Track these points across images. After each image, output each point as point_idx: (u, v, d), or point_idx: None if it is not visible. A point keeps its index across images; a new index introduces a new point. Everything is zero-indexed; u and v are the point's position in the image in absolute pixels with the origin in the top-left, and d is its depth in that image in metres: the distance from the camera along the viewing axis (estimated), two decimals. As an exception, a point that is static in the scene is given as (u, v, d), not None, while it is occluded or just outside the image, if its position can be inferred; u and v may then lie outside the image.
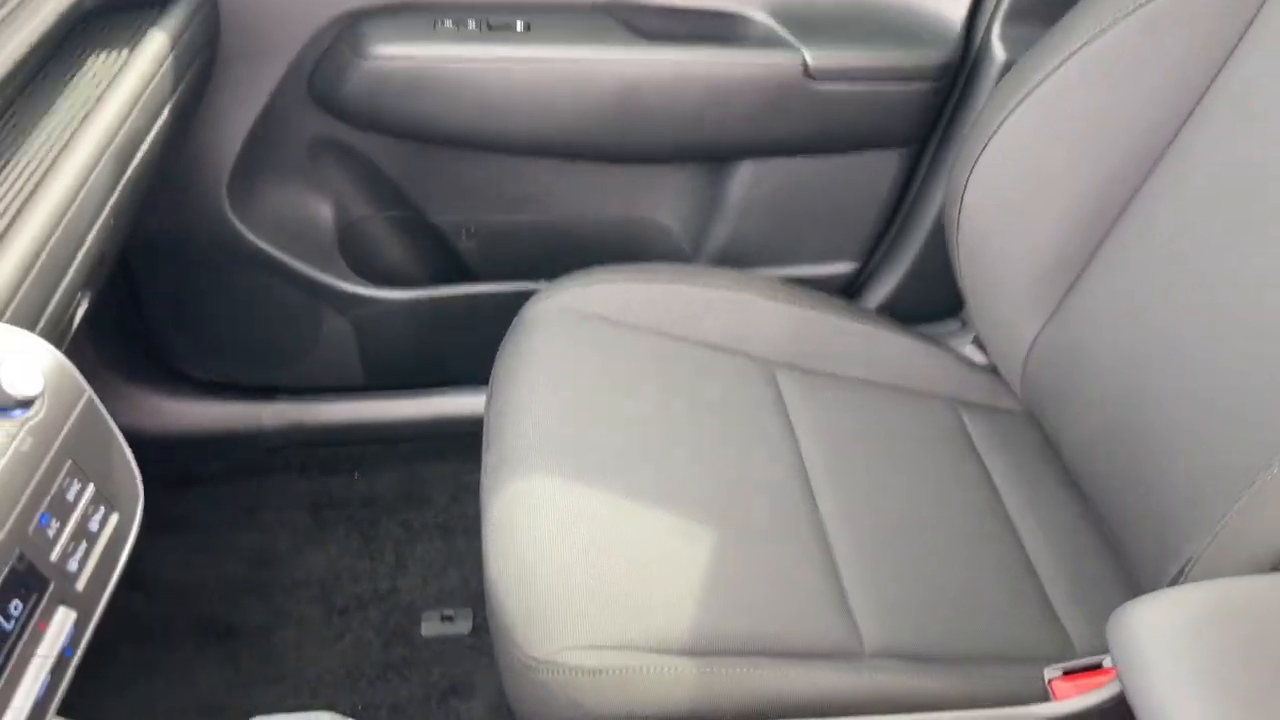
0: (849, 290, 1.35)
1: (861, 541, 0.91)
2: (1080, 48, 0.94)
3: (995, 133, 0.99)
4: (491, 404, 1.00)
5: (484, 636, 1.23)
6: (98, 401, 0.58)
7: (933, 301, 1.32)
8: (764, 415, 1.01)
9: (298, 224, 1.24)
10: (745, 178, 1.24)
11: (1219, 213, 0.87)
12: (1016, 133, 0.99)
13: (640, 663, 0.76)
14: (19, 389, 0.52)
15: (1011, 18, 1.14)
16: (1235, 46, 0.91)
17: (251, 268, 1.23)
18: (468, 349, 1.30)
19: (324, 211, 1.25)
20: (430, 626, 1.23)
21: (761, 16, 1.14)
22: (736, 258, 1.28)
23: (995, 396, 1.14)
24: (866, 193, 1.26)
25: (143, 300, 1.28)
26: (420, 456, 1.40)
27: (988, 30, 1.15)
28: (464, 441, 1.19)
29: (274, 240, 1.22)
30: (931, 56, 1.15)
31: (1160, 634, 0.58)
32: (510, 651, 0.78)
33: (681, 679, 0.76)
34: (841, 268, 1.33)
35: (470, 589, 1.27)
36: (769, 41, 1.14)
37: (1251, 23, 0.90)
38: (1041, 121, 0.98)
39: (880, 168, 1.24)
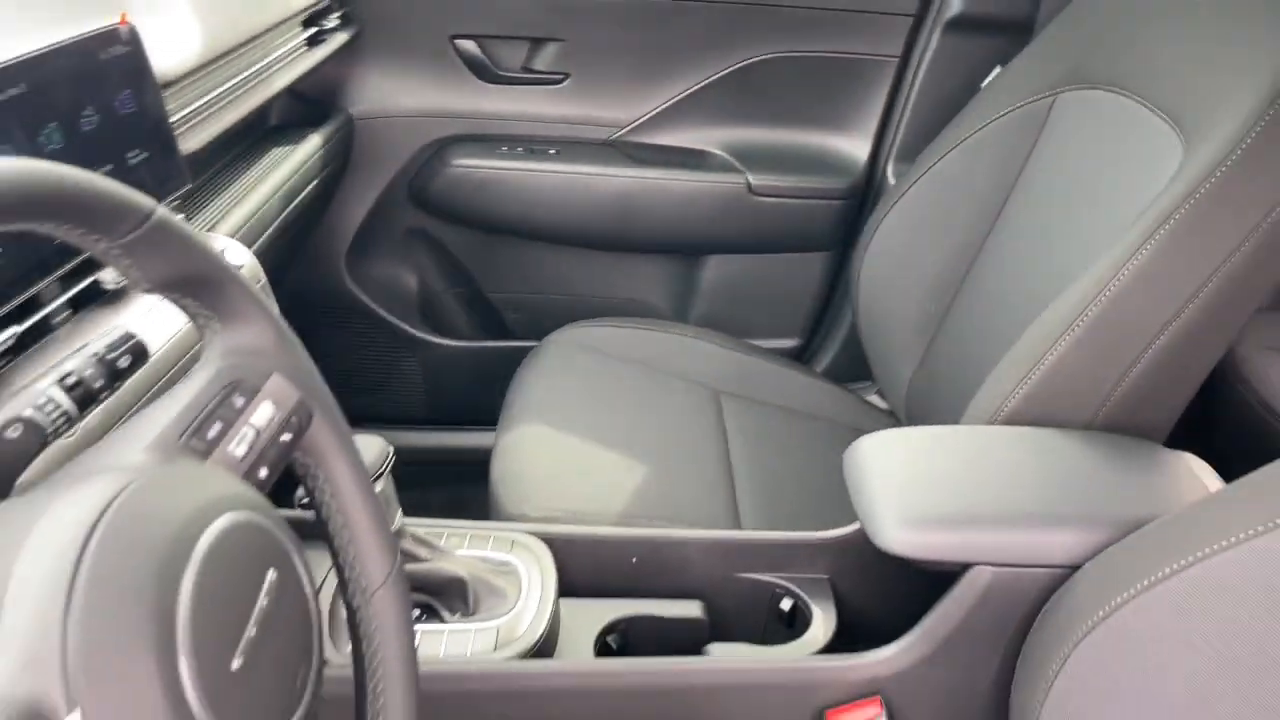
0: (797, 359, 1.76)
1: (755, 480, 1.30)
2: (928, 170, 1.38)
3: (876, 231, 1.43)
4: (509, 395, 1.43)
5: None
6: (268, 287, 1.04)
7: (861, 368, 1.72)
8: (705, 413, 1.42)
9: (392, 289, 1.73)
10: (711, 269, 1.70)
11: (1020, 276, 1.28)
12: (890, 231, 1.42)
13: (583, 517, 1.16)
14: (235, 260, 0.98)
15: (899, 155, 1.60)
16: (1028, 157, 1.34)
17: (356, 318, 1.72)
18: (504, 391, 1.74)
19: (411, 281, 1.74)
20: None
21: (718, 150, 1.64)
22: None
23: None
24: (804, 285, 1.70)
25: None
26: (463, 478, 1.82)
27: (885, 164, 1.62)
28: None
29: (374, 299, 1.71)
30: (843, 182, 1.62)
31: (871, 445, 0.97)
32: (498, 511, 1.19)
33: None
34: (789, 342, 1.75)
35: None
36: (723, 168, 1.62)
37: (1036, 142, 1.34)
38: (904, 222, 1.41)
39: (813, 266, 1.69)
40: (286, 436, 0.61)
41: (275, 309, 0.63)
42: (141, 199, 0.51)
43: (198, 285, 0.57)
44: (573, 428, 1.32)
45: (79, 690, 0.40)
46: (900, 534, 0.87)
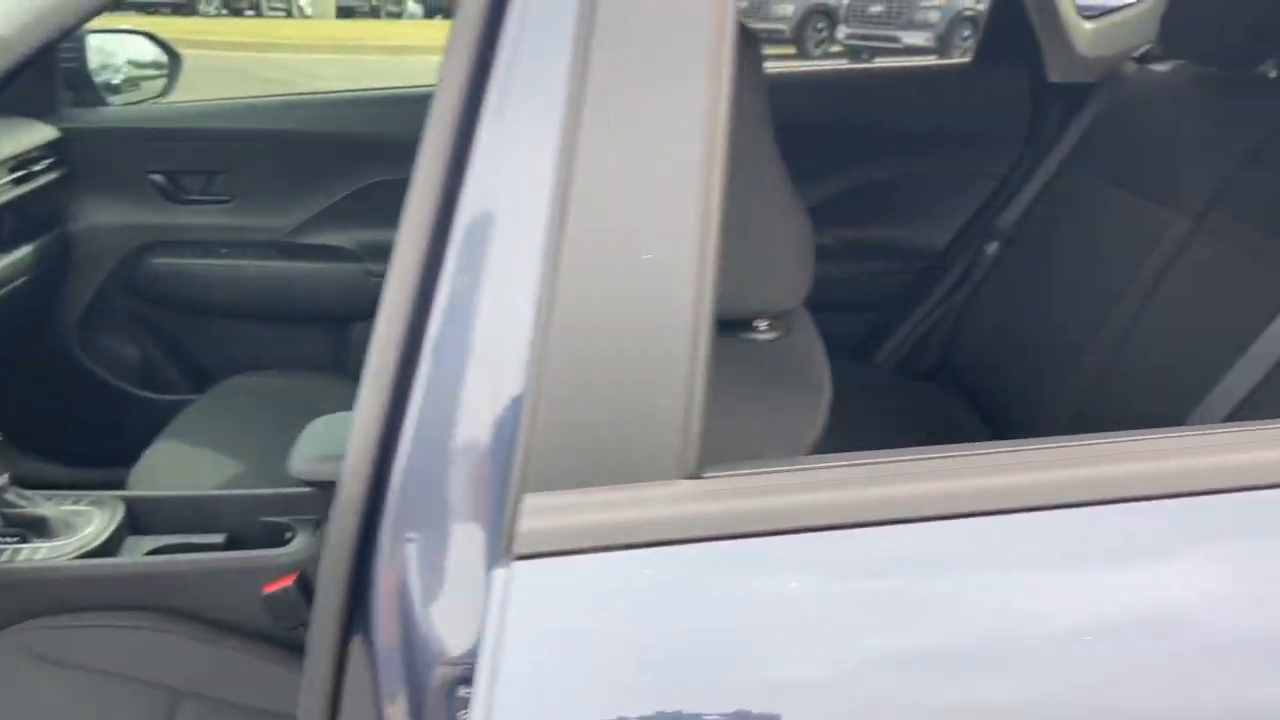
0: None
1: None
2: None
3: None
4: (167, 424, 1.99)
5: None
6: None
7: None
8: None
9: (118, 358, 2.29)
10: (357, 330, 2.29)
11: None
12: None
13: (169, 492, 1.71)
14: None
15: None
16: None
17: (90, 383, 2.27)
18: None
19: (133, 352, 2.31)
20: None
21: (348, 245, 2.25)
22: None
23: None
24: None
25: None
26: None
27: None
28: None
29: (102, 366, 2.27)
30: (438, 266, 2.22)
31: (311, 424, 1.54)
32: (117, 492, 1.74)
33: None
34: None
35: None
36: (349, 258, 2.23)
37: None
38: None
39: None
40: None
41: None
42: None
43: None
44: (195, 446, 1.88)
45: None
46: (297, 466, 1.44)
